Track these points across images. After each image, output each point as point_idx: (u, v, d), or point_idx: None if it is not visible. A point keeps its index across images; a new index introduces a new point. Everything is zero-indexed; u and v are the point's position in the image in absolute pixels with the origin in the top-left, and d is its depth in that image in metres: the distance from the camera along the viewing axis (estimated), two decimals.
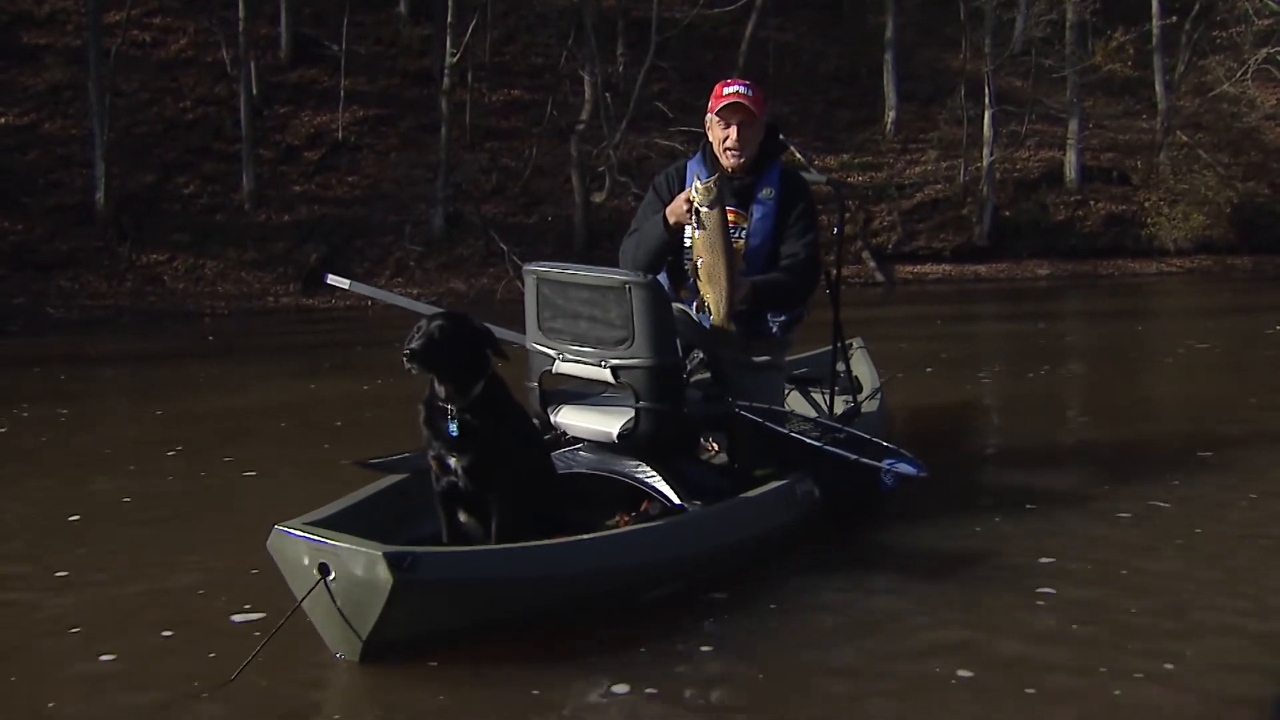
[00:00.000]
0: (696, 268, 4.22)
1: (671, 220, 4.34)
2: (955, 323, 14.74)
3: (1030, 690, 3.04)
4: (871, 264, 21.69)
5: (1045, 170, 24.48)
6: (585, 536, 3.67)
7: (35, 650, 3.52)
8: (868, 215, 22.46)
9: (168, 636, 3.53)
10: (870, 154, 24.06)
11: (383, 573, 3.04)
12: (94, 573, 4.21)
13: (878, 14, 25.42)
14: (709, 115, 4.54)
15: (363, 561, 3.08)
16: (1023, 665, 3.21)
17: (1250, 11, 23.92)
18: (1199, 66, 25.84)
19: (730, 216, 4.36)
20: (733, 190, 4.46)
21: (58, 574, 4.19)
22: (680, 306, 4.53)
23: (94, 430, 7.52)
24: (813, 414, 5.27)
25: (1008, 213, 23.48)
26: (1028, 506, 4.81)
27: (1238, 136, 25.90)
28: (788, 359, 5.12)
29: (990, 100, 23.31)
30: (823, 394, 5.38)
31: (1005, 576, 3.95)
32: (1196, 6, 24.68)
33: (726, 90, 4.46)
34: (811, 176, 5.22)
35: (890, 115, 24.89)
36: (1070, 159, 24.31)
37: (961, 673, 3.15)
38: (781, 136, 4.84)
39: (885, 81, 25.00)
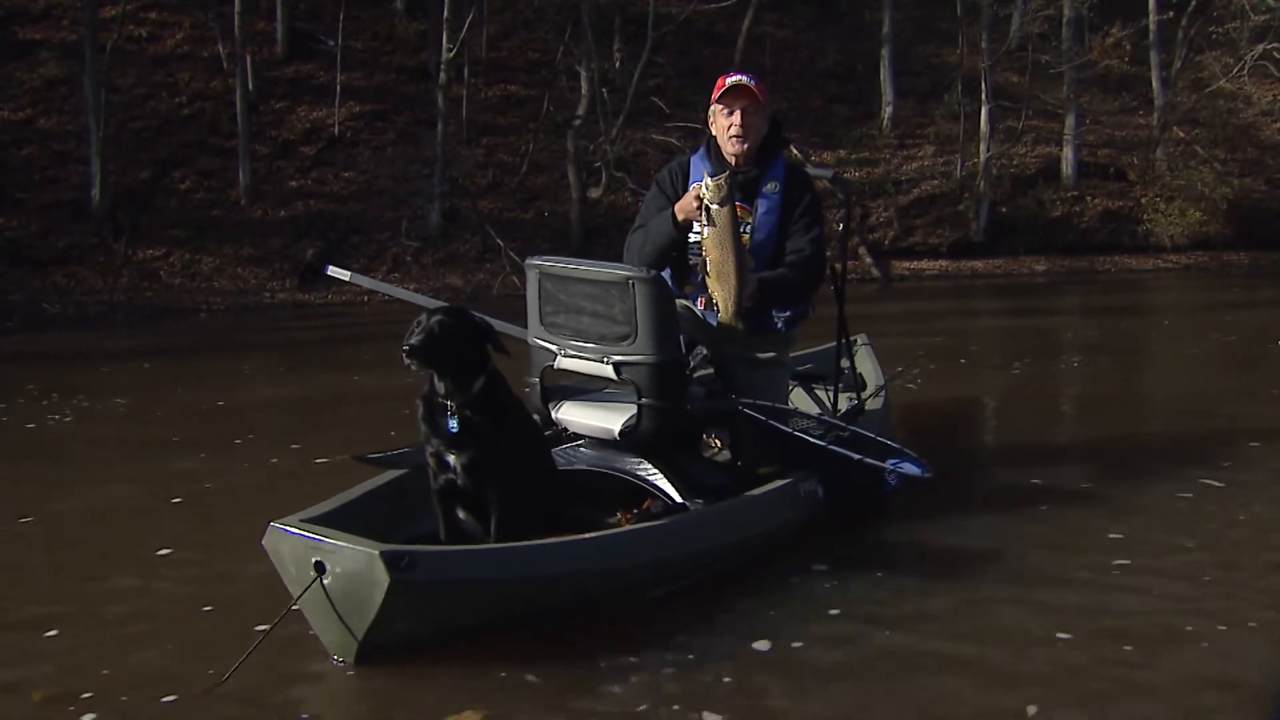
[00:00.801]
0: (705, 265, 4.19)
1: (680, 218, 4.31)
2: (970, 318, 14.81)
3: (1128, 646, 3.29)
4: (868, 260, 21.67)
5: (1042, 166, 24.47)
6: (585, 536, 3.63)
7: (189, 625, 3.60)
8: (865, 211, 22.44)
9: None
10: (867, 150, 24.04)
11: (379, 572, 3.00)
12: (215, 552, 4.38)
13: (874, 9, 25.39)
14: (712, 107, 4.50)
15: (359, 560, 3.04)
16: (1114, 626, 3.44)
17: (1246, 7, 23.94)
18: (1195, 62, 25.85)
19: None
20: (737, 184, 4.42)
21: (162, 553, 4.35)
22: (684, 302, 4.49)
23: (158, 420, 7.54)
24: (816, 411, 5.24)
25: (1005, 209, 23.47)
26: (1085, 490, 5.02)
27: (1234, 132, 25.93)
28: (792, 355, 5.10)
29: (987, 96, 23.29)
30: (827, 391, 5.36)
31: (1079, 550, 4.16)
32: (1193, 2, 24.68)
33: (730, 80, 4.44)
34: (817, 171, 5.19)
35: (887, 111, 24.86)
36: (1067, 155, 24.31)
37: (1061, 635, 3.37)
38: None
39: (882, 77, 24.96)
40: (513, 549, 3.43)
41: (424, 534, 3.75)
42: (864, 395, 5.53)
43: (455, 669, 3.21)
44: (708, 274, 4.20)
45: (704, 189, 4.13)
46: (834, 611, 3.59)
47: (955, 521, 4.51)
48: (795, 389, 5.50)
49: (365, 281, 5.93)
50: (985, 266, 22.45)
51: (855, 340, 6.36)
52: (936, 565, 4.02)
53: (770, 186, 4.48)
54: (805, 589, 3.82)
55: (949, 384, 8.20)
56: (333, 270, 5.87)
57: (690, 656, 3.28)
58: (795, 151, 20.17)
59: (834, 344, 5.40)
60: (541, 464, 3.94)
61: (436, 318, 3.56)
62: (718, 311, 4.23)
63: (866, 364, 6.24)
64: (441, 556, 3.26)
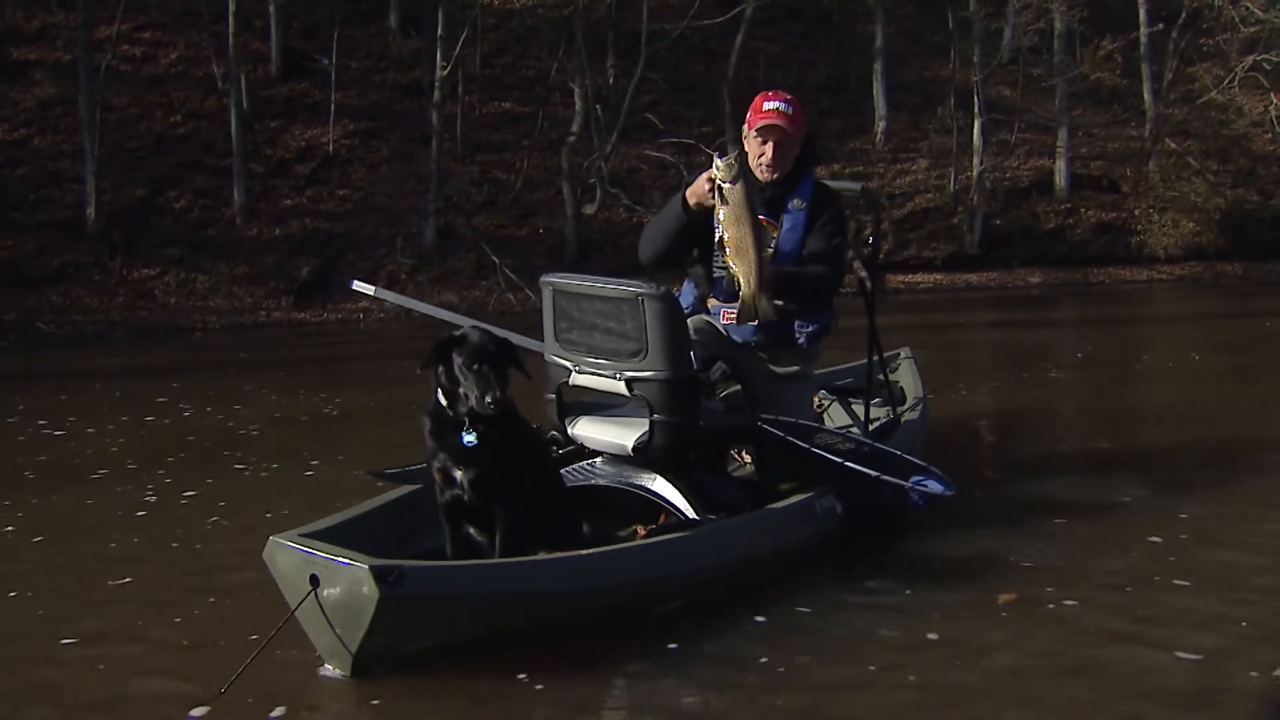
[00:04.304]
0: (723, 243, 4.21)
1: (692, 201, 4.32)
2: (969, 331, 14.92)
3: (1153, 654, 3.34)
4: (863, 273, 21.62)
5: (1035, 179, 24.58)
6: (584, 551, 3.66)
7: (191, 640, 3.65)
8: (859, 224, 22.44)
9: None
10: (861, 163, 24.08)
11: (369, 586, 3.04)
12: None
13: (866, 24, 25.50)
14: (747, 129, 4.53)
15: (350, 574, 3.09)
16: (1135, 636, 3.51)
17: (1236, 19, 24.07)
18: (1186, 74, 26.00)
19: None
20: (764, 200, 4.44)
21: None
22: (706, 318, 4.53)
23: (167, 438, 7.52)
24: (850, 425, 5.26)
25: (998, 221, 23.55)
26: (1103, 503, 5.08)
27: (1226, 143, 26.08)
28: (835, 368, 5.09)
29: (979, 109, 23.40)
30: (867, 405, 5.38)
31: (1101, 561, 4.22)
32: (1183, 14, 24.84)
33: (766, 106, 4.45)
34: (845, 186, 5.22)
35: (880, 125, 24.95)
36: (1060, 167, 24.42)
37: (1082, 646, 3.32)
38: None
39: (875, 91, 25.06)
40: (506, 564, 3.48)
41: (436, 548, 3.77)
42: (900, 409, 5.55)
43: (457, 681, 3.25)
44: (725, 252, 4.21)
45: (715, 169, 4.14)
46: (849, 628, 3.60)
47: (975, 538, 4.53)
48: (833, 403, 5.52)
49: (390, 296, 5.97)
50: (980, 279, 22.51)
51: (898, 354, 6.46)
52: (955, 581, 4.03)
53: (796, 203, 4.50)
54: (822, 605, 3.82)
55: (958, 396, 8.28)
56: (357, 285, 5.93)
57: (695, 672, 3.30)
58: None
59: (884, 358, 5.43)
60: (547, 479, 3.96)
61: (491, 358, 3.57)
62: (739, 288, 4.22)
63: (907, 377, 6.26)
64: (433, 571, 3.29)
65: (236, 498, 5.55)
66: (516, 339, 4.42)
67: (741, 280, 4.20)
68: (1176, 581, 3.97)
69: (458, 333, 3.69)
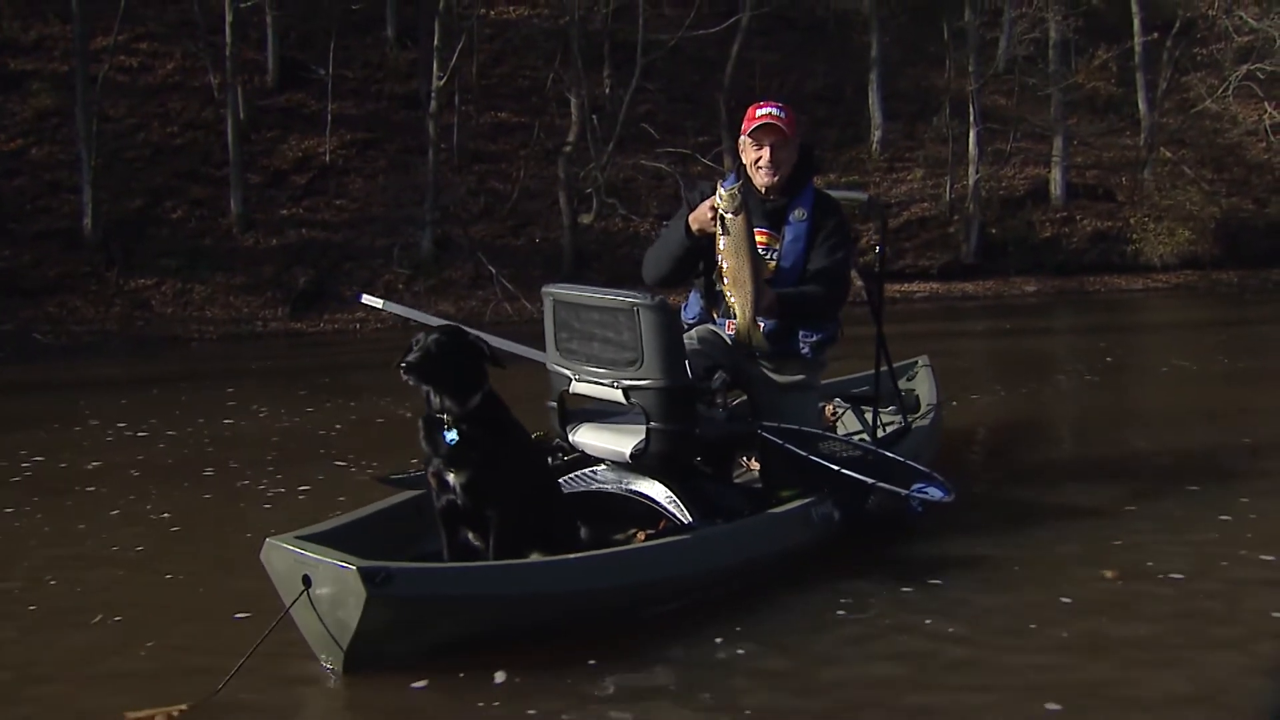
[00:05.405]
0: (722, 273, 4.26)
1: (695, 227, 4.36)
2: (969, 340, 14.95)
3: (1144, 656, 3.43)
4: (859, 283, 21.60)
5: (1031, 188, 24.62)
6: (573, 555, 3.72)
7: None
8: (856, 234, 22.49)
9: None
10: (856, 173, 24.12)
11: (357, 587, 3.14)
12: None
13: (862, 33, 25.56)
14: (742, 138, 4.59)
15: (339, 575, 3.19)
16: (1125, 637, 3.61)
17: (1230, 28, 24.17)
18: (1181, 83, 26.09)
19: (762, 238, 4.41)
20: (765, 212, 4.49)
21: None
22: (712, 327, 4.59)
23: (179, 448, 7.52)
24: (861, 432, 5.33)
25: (994, 230, 23.58)
26: (1096, 505, 5.14)
27: (1221, 152, 26.15)
28: (851, 376, 5.14)
29: (975, 118, 23.45)
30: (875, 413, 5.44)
31: (1089, 565, 4.26)
32: (1178, 24, 24.94)
33: (759, 112, 4.52)
34: (850, 194, 5.29)
35: (876, 134, 25.00)
36: (1055, 176, 24.46)
37: (1077, 646, 3.42)
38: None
39: (870, 101, 25.12)
40: (493, 567, 3.56)
41: (434, 552, 3.84)
42: (911, 417, 5.62)
43: (451, 680, 3.30)
44: (724, 282, 4.26)
45: (718, 198, 4.19)
46: (841, 629, 3.68)
47: (1057, 523, 4.74)
48: (846, 411, 5.61)
49: (398, 309, 6.06)
50: (976, 288, 22.53)
51: (915, 362, 6.61)
52: (1058, 558, 4.25)
53: (798, 214, 4.54)
54: (819, 608, 3.86)
55: (995, 400, 8.49)
56: (366, 298, 6.06)
57: (684, 672, 3.38)
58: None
59: (893, 365, 5.51)
60: (542, 483, 4.02)
61: (434, 336, 3.67)
62: (736, 318, 4.28)
63: (924, 385, 6.35)
64: (419, 573, 3.37)
65: (353, 492, 5.68)
66: (520, 349, 4.49)
67: (737, 310, 4.26)
68: (1262, 556, 4.22)
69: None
